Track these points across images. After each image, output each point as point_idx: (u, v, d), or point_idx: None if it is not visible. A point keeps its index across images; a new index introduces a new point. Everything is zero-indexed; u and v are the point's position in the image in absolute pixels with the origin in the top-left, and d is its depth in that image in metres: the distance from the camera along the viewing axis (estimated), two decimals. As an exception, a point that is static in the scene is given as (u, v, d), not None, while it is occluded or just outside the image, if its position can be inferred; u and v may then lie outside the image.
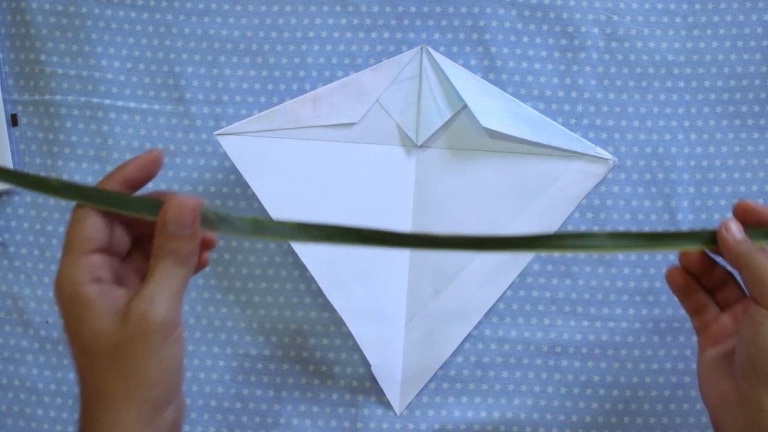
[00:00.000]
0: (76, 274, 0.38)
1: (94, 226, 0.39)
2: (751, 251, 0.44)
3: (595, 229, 0.58)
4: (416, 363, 0.58)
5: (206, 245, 0.43)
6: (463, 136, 0.58)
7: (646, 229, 0.58)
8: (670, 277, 0.48)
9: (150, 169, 0.41)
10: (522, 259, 0.58)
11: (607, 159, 0.58)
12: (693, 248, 0.46)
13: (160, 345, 0.38)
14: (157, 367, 0.38)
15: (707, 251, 0.46)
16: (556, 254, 0.51)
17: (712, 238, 0.45)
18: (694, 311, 0.48)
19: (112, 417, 0.37)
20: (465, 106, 0.57)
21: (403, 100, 0.58)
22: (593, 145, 0.58)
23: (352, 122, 0.58)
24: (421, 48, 0.58)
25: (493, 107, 0.57)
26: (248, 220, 0.42)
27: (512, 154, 0.58)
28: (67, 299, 0.38)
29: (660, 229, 0.58)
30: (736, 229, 0.45)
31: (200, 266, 0.43)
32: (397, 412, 0.58)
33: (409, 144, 0.58)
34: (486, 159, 0.58)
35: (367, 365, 0.58)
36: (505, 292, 0.58)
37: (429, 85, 0.58)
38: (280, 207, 0.56)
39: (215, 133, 0.57)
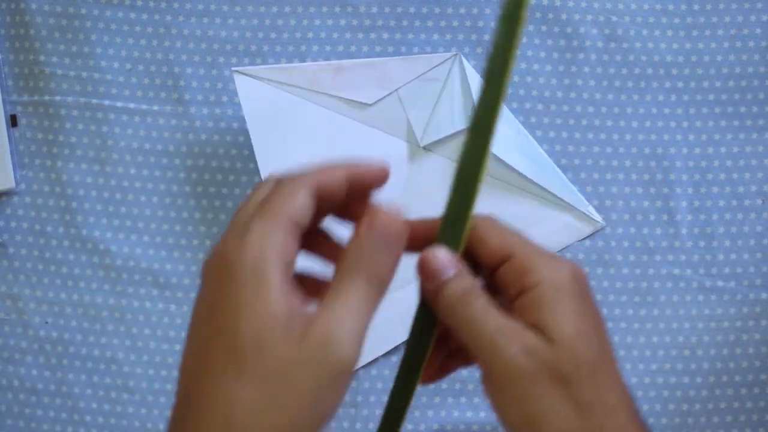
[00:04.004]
0: (270, 246, 0.31)
1: (305, 205, 0.32)
2: (463, 300, 0.34)
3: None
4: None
5: None
6: None
7: (645, 230, 0.58)
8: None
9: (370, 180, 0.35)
10: None
11: (596, 221, 0.57)
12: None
13: (330, 382, 0.31)
14: (312, 407, 0.30)
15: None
16: None
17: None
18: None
19: None
20: None
21: (422, 98, 0.58)
22: (587, 203, 0.57)
23: (366, 103, 0.58)
24: (456, 55, 0.58)
25: (503, 135, 0.57)
26: None
27: (506, 185, 0.57)
28: (246, 267, 0.30)
29: (658, 231, 0.58)
30: (439, 263, 0.34)
31: None
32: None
33: (413, 142, 0.58)
34: None
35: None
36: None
37: (451, 92, 0.57)
38: (270, 160, 0.56)
39: (233, 69, 0.57)
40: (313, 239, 0.36)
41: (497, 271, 0.34)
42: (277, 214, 0.32)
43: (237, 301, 0.30)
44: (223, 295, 0.31)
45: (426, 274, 0.34)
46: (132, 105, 0.60)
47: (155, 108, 0.60)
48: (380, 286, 0.32)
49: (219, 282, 0.31)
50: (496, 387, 0.33)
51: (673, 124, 0.58)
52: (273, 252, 0.31)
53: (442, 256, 0.34)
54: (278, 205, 0.32)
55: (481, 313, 0.33)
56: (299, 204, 0.32)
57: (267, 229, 0.31)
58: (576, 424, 0.32)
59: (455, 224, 0.34)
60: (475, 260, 0.35)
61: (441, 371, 0.38)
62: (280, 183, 0.33)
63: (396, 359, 0.58)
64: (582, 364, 0.32)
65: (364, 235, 0.32)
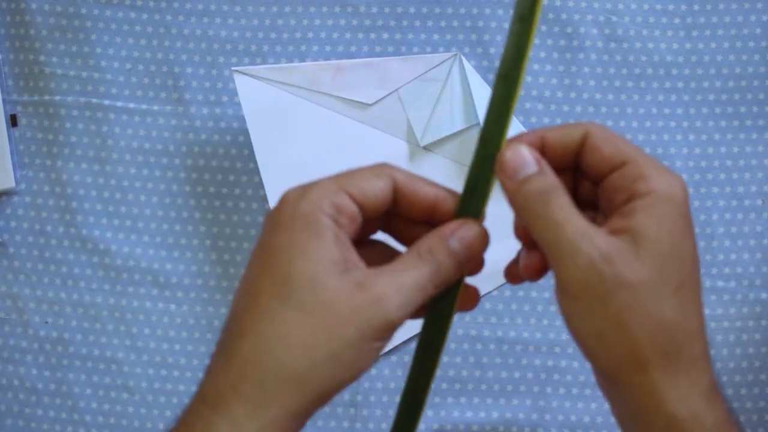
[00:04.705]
0: (332, 203, 0.32)
1: (380, 188, 0.33)
2: (543, 199, 0.32)
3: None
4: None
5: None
6: (468, 151, 0.58)
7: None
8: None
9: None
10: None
11: None
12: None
13: (373, 337, 0.31)
14: (352, 358, 0.31)
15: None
16: None
17: None
18: None
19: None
20: (478, 124, 0.57)
21: (422, 98, 0.58)
22: None
23: (366, 103, 0.58)
24: (456, 55, 0.58)
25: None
26: None
27: None
28: (303, 214, 0.31)
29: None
30: (520, 159, 0.33)
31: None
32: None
33: (413, 142, 0.58)
34: None
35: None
36: (504, 292, 0.58)
37: (450, 92, 0.57)
38: (270, 160, 0.57)
39: (233, 68, 0.57)
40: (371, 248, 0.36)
41: (606, 179, 0.33)
42: (346, 182, 0.33)
43: (291, 242, 0.31)
44: (278, 236, 0.32)
45: (505, 171, 0.33)
46: (132, 105, 0.60)
47: (155, 108, 0.60)
48: (439, 284, 0.33)
49: (276, 226, 0.32)
50: (569, 295, 0.32)
51: (673, 124, 0.58)
52: (330, 209, 0.32)
53: (524, 152, 0.33)
54: (351, 177, 0.33)
55: (562, 213, 0.31)
56: (372, 186, 0.33)
57: (331, 189, 0.32)
58: (651, 344, 0.31)
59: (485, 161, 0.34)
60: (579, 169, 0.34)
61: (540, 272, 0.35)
62: (370, 165, 0.34)
63: (396, 359, 0.58)
64: (669, 281, 0.31)
65: (453, 235, 0.33)
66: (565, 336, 0.58)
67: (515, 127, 0.58)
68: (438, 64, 0.58)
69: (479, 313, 0.58)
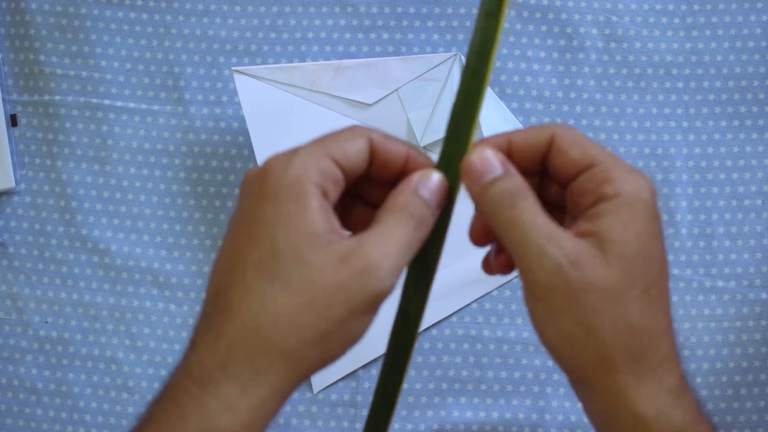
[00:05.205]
0: (315, 170, 0.31)
1: (359, 149, 0.33)
2: (508, 201, 0.32)
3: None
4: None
5: None
6: None
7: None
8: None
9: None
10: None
11: None
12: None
13: (363, 308, 0.31)
14: (340, 332, 0.31)
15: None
16: None
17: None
18: None
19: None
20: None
21: (422, 98, 0.58)
22: None
23: (366, 103, 0.58)
24: (456, 55, 0.58)
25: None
26: None
27: None
28: (287, 184, 0.31)
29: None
30: (486, 163, 0.33)
31: None
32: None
33: (413, 142, 0.58)
34: None
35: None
36: (504, 292, 0.58)
37: (450, 92, 0.57)
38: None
39: (233, 68, 0.57)
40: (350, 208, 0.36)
41: (574, 182, 0.33)
42: (329, 146, 0.32)
43: (276, 213, 0.31)
44: (261, 207, 0.31)
45: (470, 174, 0.33)
46: (132, 105, 0.60)
47: (155, 108, 0.60)
48: (423, 233, 0.33)
49: (259, 195, 0.32)
50: (536, 297, 0.32)
51: (673, 124, 0.58)
52: (317, 176, 0.31)
53: (489, 155, 0.33)
54: (333, 141, 0.33)
55: (528, 215, 0.32)
56: (353, 146, 0.33)
57: (315, 155, 0.32)
58: (618, 347, 0.31)
59: (460, 132, 0.34)
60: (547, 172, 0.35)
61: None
62: (344, 128, 0.34)
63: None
64: (635, 283, 0.31)
65: (418, 183, 0.33)
66: (565, 336, 0.58)
67: (515, 126, 0.58)
68: (438, 64, 0.58)
69: (479, 313, 0.58)
